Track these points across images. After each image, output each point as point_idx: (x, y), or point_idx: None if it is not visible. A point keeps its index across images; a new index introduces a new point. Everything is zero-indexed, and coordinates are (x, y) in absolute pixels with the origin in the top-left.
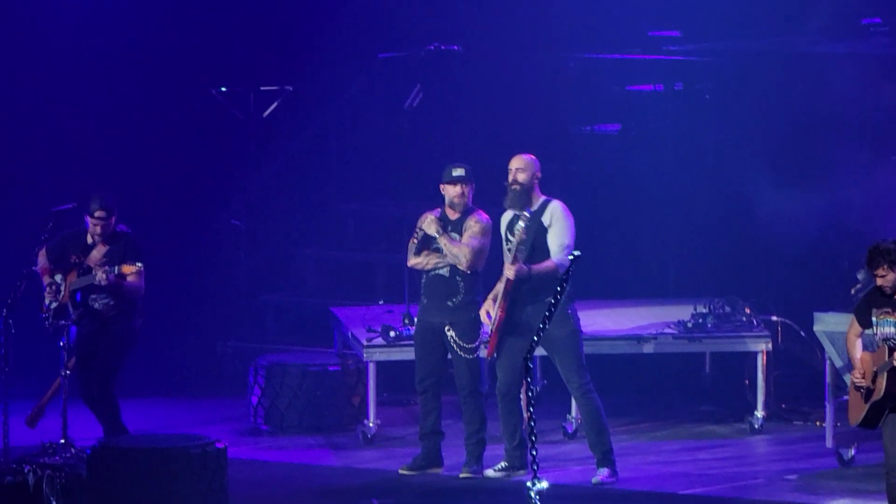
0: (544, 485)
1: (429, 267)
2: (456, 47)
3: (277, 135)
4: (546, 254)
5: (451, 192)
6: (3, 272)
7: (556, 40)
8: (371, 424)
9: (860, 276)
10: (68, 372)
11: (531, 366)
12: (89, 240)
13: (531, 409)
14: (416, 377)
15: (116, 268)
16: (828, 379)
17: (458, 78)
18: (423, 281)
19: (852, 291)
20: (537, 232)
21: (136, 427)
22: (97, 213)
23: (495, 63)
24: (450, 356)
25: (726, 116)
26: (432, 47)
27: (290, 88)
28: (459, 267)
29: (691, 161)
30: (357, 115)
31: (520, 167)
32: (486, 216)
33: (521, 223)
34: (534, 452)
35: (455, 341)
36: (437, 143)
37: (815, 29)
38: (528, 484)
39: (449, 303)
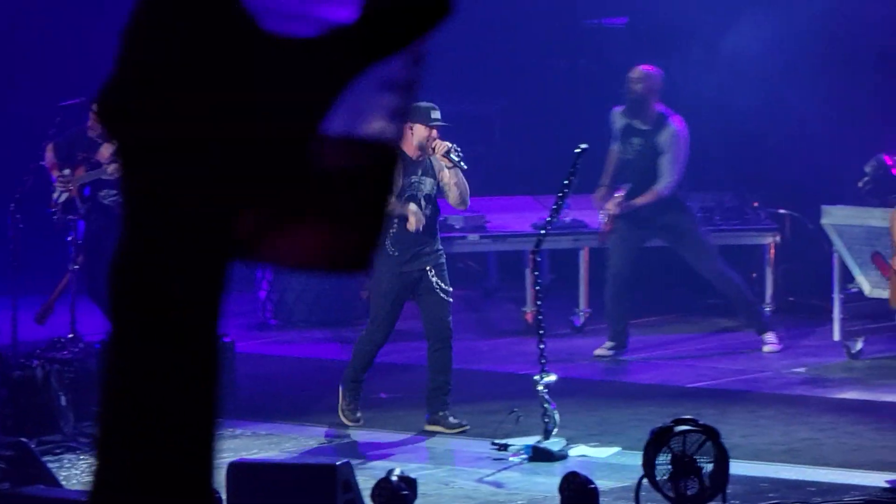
0: (553, 378)
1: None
2: None
3: None
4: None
5: (423, 133)
6: (10, 167)
7: None
8: None
9: (867, 170)
10: (77, 267)
11: (539, 259)
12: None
13: (538, 303)
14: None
15: None
16: (835, 272)
17: None
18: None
19: (860, 184)
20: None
21: None
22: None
23: None
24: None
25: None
26: None
27: None
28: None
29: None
30: None
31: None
32: None
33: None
34: (542, 346)
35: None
36: None
37: None
38: (536, 377)
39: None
